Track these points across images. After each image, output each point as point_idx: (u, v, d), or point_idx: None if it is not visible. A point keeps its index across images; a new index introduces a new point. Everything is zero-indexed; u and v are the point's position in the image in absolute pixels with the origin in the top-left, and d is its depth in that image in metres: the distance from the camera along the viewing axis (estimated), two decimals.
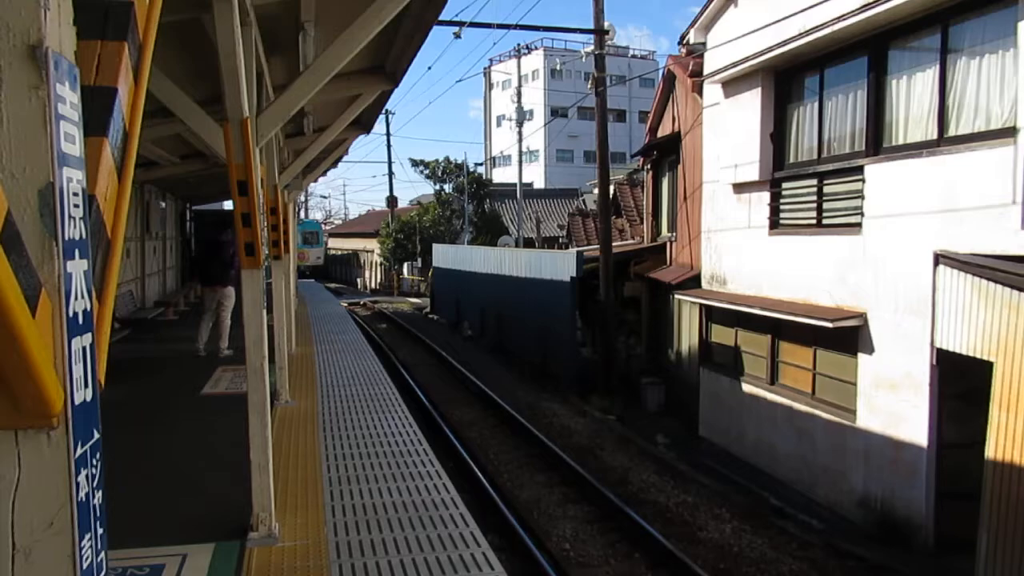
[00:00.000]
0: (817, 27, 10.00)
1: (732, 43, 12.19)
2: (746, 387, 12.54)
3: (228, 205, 34.85)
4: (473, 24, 19.05)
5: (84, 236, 1.12)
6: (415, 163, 46.22)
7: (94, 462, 1.14)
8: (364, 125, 13.27)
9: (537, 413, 15.54)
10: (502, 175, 60.79)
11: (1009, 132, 7.73)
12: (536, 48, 59.17)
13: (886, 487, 9.34)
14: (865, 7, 9.15)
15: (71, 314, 1.07)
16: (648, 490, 11.22)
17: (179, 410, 9.40)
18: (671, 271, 16.55)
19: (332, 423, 8.81)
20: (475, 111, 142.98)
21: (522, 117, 39.97)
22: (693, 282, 14.53)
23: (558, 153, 64.70)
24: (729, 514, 10.25)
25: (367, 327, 25.16)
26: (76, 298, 1.09)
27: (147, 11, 1.70)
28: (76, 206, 1.09)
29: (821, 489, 10.53)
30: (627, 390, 17.06)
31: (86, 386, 1.12)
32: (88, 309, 1.13)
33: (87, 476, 1.10)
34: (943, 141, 8.68)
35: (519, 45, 42.54)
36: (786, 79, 11.75)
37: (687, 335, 15.52)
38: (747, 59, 11.69)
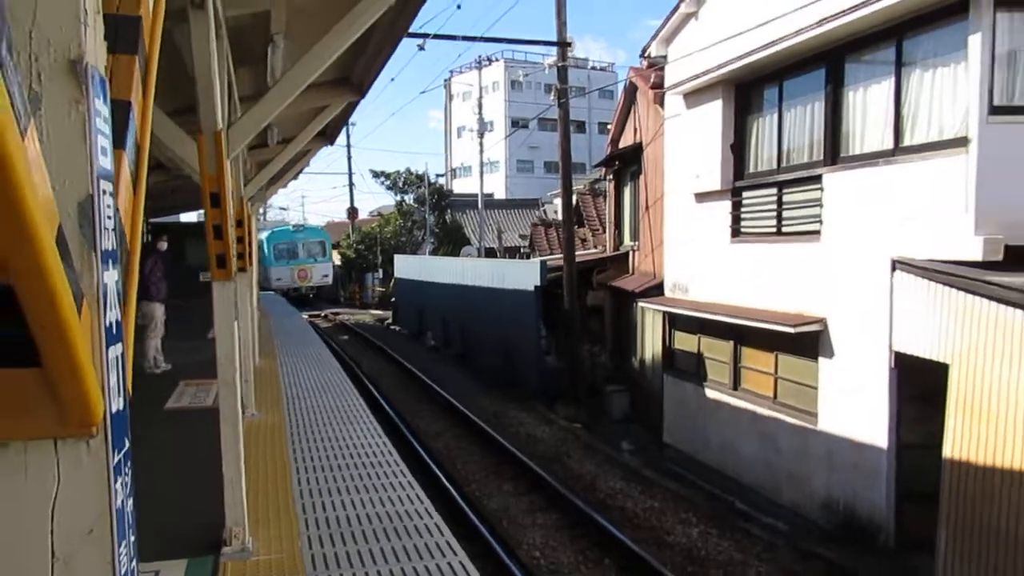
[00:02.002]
0: (776, 40, 10.23)
1: (693, 56, 12.41)
2: (710, 393, 12.71)
3: (184, 218, 34.30)
4: (438, 36, 19.10)
5: (115, 247, 1.14)
6: (376, 174, 45.97)
7: (126, 470, 1.15)
8: (328, 136, 13.22)
9: (503, 422, 15.57)
10: (463, 185, 60.82)
11: (961, 142, 7.99)
12: (496, 60, 59.35)
13: (848, 489, 9.54)
14: (822, 21, 9.39)
15: (107, 324, 1.08)
16: (615, 496, 11.31)
17: (143, 426, 9.22)
18: (634, 279, 16.73)
19: (300, 435, 8.75)
20: (435, 122, 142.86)
21: (483, 128, 40.06)
22: (656, 290, 14.70)
23: (519, 164, 64.91)
24: (696, 518, 10.39)
25: (330, 339, 24.96)
26: (110, 308, 1.11)
27: (152, 25, 1.72)
28: (109, 218, 1.11)
29: (785, 492, 10.71)
30: (592, 398, 17.16)
31: (119, 395, 1.13)
32: (119, 319, 1.15)
33: (122, 484, 1.12)
34: (898, 151, 8.93)
35: (480, 57, 42.67)
36: (746, 91, 11.99)
37: (651, 342, 15.68)
38: (708, 71, 11.91)
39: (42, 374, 0.96)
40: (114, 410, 1.09)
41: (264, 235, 39.16)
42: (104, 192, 1.10)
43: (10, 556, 1.03)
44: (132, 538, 1.17)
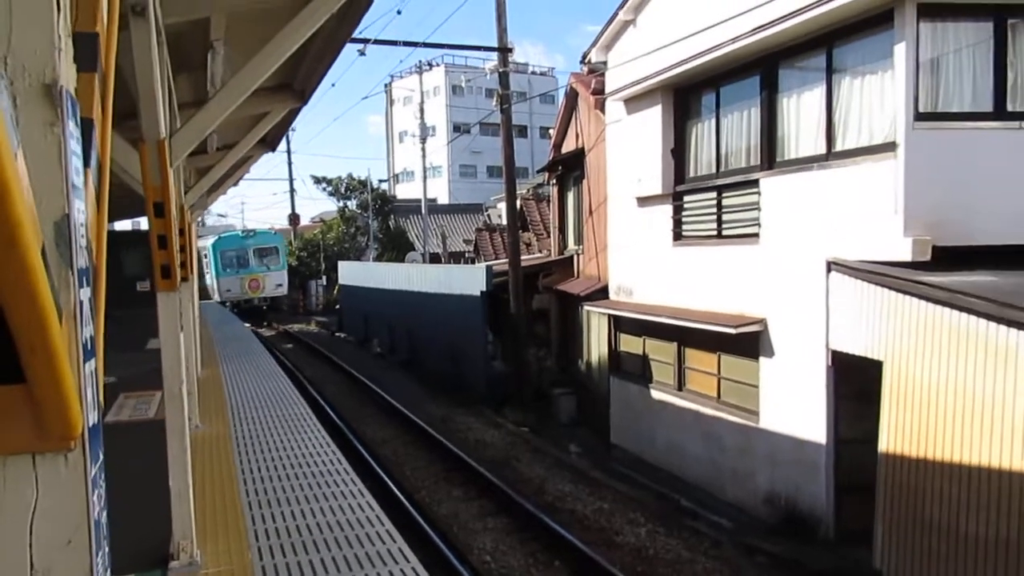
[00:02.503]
0: (713, 48, 10.49)
1: (632, 62, 12.63)
2: (655, 394, 12.93)
3: (119, 226, 33.38)
4: (379, 41, 19.07)
5: (88, 265, 1.16)
6: (317, 180, 45.52)
7: (101, 482, 1.17)
8: (270, 143, 13.06)
9: (451, 427, 15.57)
10: (406, 191, 60.56)
11: (890, 147, 8.32)
12: (437, 65, 59.34)
13: (790, 484, 9.82)
14: (756, 30, 9.67)
15: (84, 340, 1.11)
16: (565, 499, 11.42)
17: None
18: (579, 283, 16.91)
19: (247, 446, 8.65)
20: (374, 127, 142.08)
21: (425, 133, 39.98)
22: (601, 293, 14.89)
23: (461, 168, 64.92)
24: (643, 518, 10.55)
25: (273, 347, 24.61)
26: (86, 324, 1.13)
27: (107, 41, 1.73)
28: (82, 236, 1.14)
29: (730, 489, 10.97)
30: (540, 401, 17.29)
31: (95, 409, 1.16)
32: (93, 335, 1.17)
33: (98, 496, 1.14)
34: (831, 155, 9.25)
35: (421, 62, 42.60)
36: (685, 96, 12.25)
37: (596, 345, 15.87)
38: (647, 78, 12.14)
39: (24, 390, 0.98)
40: (91, 424, 1.12)
41: (209, 241, 36.63)
42: (79, 211, 1.12)
43: None
44: (106, 548, 1.19)
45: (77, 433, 1.03)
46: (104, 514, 1.20)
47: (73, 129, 1.13)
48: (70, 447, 1.06)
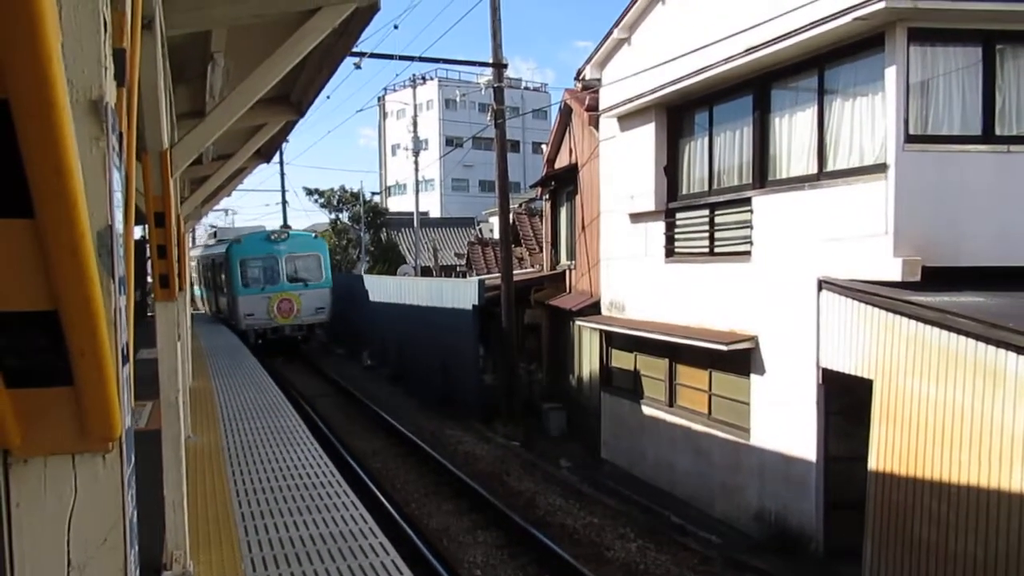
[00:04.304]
0: (706, 68, 10.62)
1: (626, 80, 12.76)
2: (646, 410, 12.98)
3: None
4: (376, 55, 19.17)
5: (123, 274, 1.21)
6: (309, 192, 45.53)
7: (133, 483, 1.21)
8: (265, 154, 13.10)
9: (442, 441, 15.56)
10: (398, 204, 60.65)
11: (881, 168, 8.44)
12: (431, 79, 59.63)
13: (779, 501, 9.87)
14: (749, 51, 9.80)
15: (121, 346, 1.15)
16: (555, 513, 11.43)
17: None
18: (571, 298, 16.98)
19: (239, 457, 8.64)
20: (365, 139, 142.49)
21: (419, 146, 40.13)
22: (593, 309, 14.96)
23: (454, 182, 65.08)
24: (634, 533, 10.57)
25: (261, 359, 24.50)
26: (122, 331, 1.17)
27: (131, 57, 1.78)
28: (120, 246, 1.18)
29: (719, 505, 11.00)
30: (530, 416, 17.31)
31: (128, 412, 1.20)
32: (128, 341, 1.22)
33: (131, 496, 1.18)
34: (823, 175, 9.36)
35: (415, 76, 42.81)
36: (678, 115, 12.38)
37: (588, 360, 15.92)
38: (641, 95, 12.27)
39: (67, 392, 1.02)
40: (126, 426, 1.16)
41: (222, 248, 28.29)
42: (119, 222, 1.17)
43: (28, 565, 1.08)
44: (137, 547, 1.23)
45: (118, 435, 1.08)
46: (135, 514, 1.24)
47: (115, 143, 1.17)
48: (108, 448, 1.11)
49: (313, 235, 29.24)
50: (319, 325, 27.65)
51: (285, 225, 39.79)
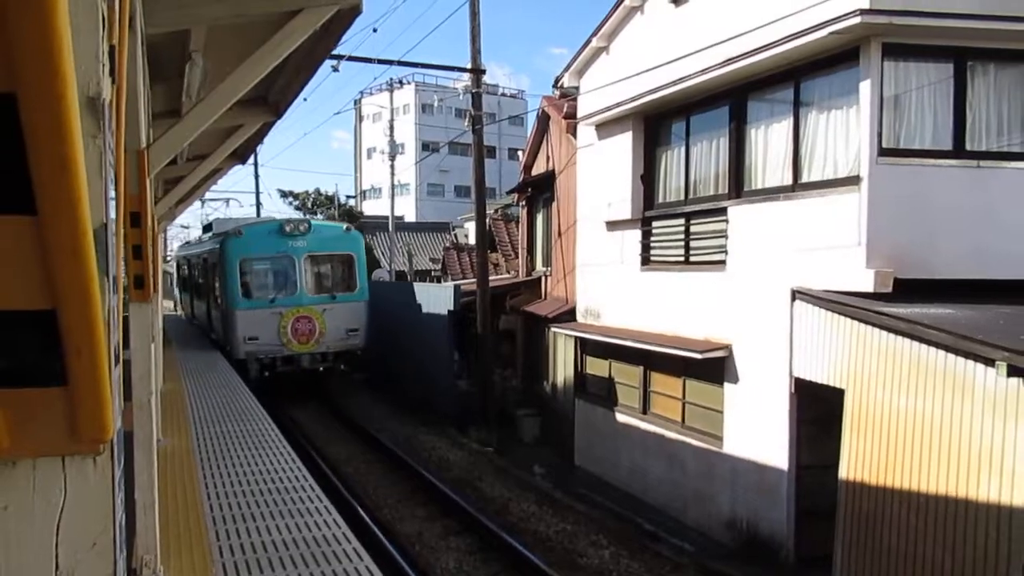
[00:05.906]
0: (683, 78, 10.71)
1: (604, 88, 12.83)
2: (619, 417, 13.02)
3: None
4: (354, 59, 19.10)
5: (116, 273, 1.19)
6: (284, 194, 45.29)
7: (123, 485, 1.19)
8: (241, 156, 12.98)
9: (415, 446, 15.50)
10: (373, 207, 60.44)
11: (854, 180, 8.55)
12: (408, 83, 59.49)
13: (751, 508, 9.94)
14: (726, 62, 9.90)
15: (113, 346, 1.13)
16: (528, 519, 11.42)
17: None
18: (546, 305, 17.01)
19: (210, 461, 8.53)
20: (338, 142, 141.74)
21: (395, 150, 40.00)
22: (568, 315, 14.99)
23: (429, 187, 64.96)
24: (607, 540, 10.58)
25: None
26: (114, 331, 1.16)
27: (120, 54, 1.76)
28: (113, 245, 1.17)
29: (692, 513, 11.06)
30: (504, 422, 17.29)
31: (118, 414, 1.18)
32: (118, 342, 1.20)
33: (121, 499, 1.16)
34: (797, 187, 9.47)
35: (391, 79, 42.68)
36: (655, 124, 12.46)
37: (562, 367, 15.95)
38: (619, 104, 12.34)
39: (58, 393, 1.00)
40: (117, 427, 1.14)
41: (214, 243, 20.28)
42: (112, 221, 1.15)
43: (15, 569, 1.06)
44: (126, 551, 1.21)
45: (110, 436, 1.06)
46: (124, 517, 1.22)
47: (110, 140, 1.16)
48: (100, 450, 1.09)
49: (344, 227, 21.00)
50: (349, 353, 19.36)
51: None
